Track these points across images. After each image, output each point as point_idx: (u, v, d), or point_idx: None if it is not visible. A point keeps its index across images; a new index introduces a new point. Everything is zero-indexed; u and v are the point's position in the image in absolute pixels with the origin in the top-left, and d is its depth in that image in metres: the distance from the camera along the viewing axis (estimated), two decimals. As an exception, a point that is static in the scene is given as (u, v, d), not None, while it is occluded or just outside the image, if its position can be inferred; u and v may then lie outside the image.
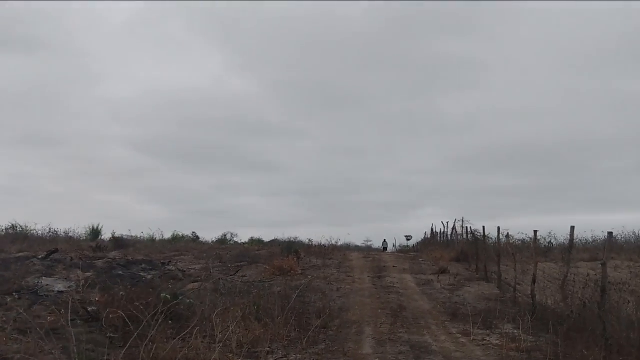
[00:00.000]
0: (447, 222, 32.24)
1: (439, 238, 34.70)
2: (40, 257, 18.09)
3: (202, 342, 8.48)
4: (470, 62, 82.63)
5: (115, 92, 74.05)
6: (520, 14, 78.15)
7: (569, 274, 11.91)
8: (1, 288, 13.64)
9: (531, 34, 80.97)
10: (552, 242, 30.94)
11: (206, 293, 12.33)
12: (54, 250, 19.12)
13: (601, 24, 76.54)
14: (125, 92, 75.52)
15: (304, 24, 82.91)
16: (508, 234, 17.94)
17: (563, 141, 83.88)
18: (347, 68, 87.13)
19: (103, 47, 76.48)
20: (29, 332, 8.58)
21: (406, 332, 11.42)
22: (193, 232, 38.04)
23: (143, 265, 17.75)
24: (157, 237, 33.05)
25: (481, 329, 11.59)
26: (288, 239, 34.57)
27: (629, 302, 10.06)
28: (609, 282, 9.82)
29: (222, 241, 37.10)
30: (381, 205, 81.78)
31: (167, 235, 35.23)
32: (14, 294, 13.09)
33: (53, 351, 7.59)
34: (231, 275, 17.87)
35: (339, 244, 33.46)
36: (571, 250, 11.76)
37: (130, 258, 19.79)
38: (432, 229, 38.07)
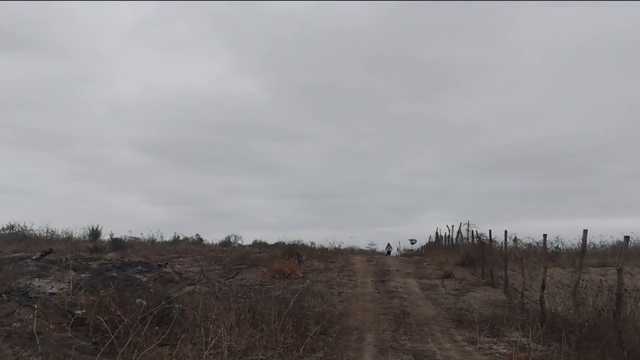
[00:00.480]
0: (452, 226, 31.72)
1: (443, 242, 34.16)
2: (34, 257, 17.63)
3: (192, 348, 7.99)
4: (476, 65, 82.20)
5: (122, 93, 73.95)
6: (525, 16, 77.61)
7: (580, 280, 11.33)
8: (-9, 290, 13.20)
9: (536, 36, 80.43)
10: (559, 246, 30.42)
11: (200, 297, 11.82)
12: (49, 250, 18.66)
13: (609, 26, 75.88)
14: (132, 94, 75.41)
15: (310, 27, 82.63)
16: (516, 237, 17.39)
17: (569, 144, 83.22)
18: (353, 70, 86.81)
19: (110, 49, 76.42)
20: (10, 336, 8.11)
21: (409, 339, 10.90)
22: (197, 234, 37.63)
23: (139, 267, 17.28)
24: (158, 238, 32.58)
25: (488, 337, 11.07)
26: (292, 241, 34.14)
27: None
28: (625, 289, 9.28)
29: (226, 243, 36.67)
30: (386, 208, 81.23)
31: (168, 237, 34.79)
32: (3, 295, 12.64)
33: (30, 358, 7.10)
34: (229, 278, 17.38)
35: (343, 247, 33.01)
36: (584, 254, 11.21)
37: (126, 259, 19.31)
38: (436, 233, 37.55)
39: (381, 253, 42.66)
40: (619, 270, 8.96)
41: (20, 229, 29.33)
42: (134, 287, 13.38)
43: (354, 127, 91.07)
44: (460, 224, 30.08)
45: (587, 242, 28.97)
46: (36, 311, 10.21)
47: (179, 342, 7.87)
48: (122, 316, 8.75)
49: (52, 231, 29.33)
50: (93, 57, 72.51)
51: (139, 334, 7.91)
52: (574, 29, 79.41)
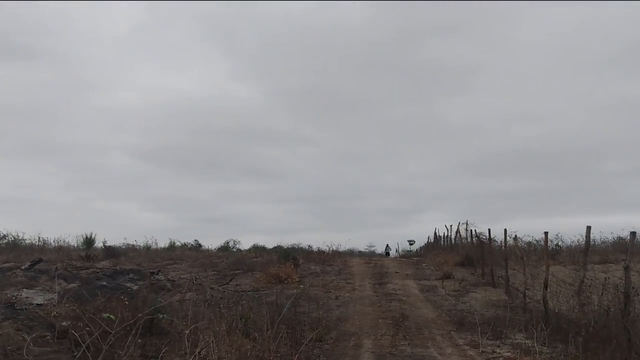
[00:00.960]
0: (451, 226, 31.31)
1: (442, 242, 33.75)
2: (23, 267, 17.18)
3: (179, 360, 7.56)
4: (473, 66, 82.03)
5: (119, 101, 73.58)
6: (522, 16, 77.44)
7: (585, 278, 10.93)
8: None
9: (533, 36, 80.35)
10: (559, 244, 30.05)
11: (189, 305, 11.37)
12: (38, 260, 18.21)
13: (604, 25, 75.75)
14: (129, 101, 75.05)
15: (307, 31, 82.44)
16: (516, 236, 16.99)
17: (566, 144, 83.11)
18: (351, 74, 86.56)
19: (106, 56, 76.11)
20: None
21: (409, 344, 10.47)
22: (195, 240, 37.24)
23: (130, 275, 16.83)
24: (153, 245, 32.14)
25: (490, 340, 10.66)
26: (291, 245, 33.78)
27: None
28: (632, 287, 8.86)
29: (225, 248, 36.33)
30: (385, 210, 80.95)
31: (164, 243, 34.36)
32: (-12, 307, 12.18)
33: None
34: (223, 285, 16.94)
35: (342, 249, 32.71)
36: (587, 252, 10.82)
37: (118, 268, 18.86)
38: (435, 233, 37.13)
39: (380, 255, 42.33)
40: (626, 268, 8.54)
41: (13, 239, 28.89)
42: (123, 296, 12.98)
43: (352, 130, 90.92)
44: (459, 223, 29.71)
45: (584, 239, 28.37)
46: (17, 324, 9.82)
47: (161, 354, 7.42)
48: (107, 327, 8.36)
49: (44, 240, 28.86)
50: (89, 64, 72.26)
51: (121, 346, 7.50)
52: (570, 29, 79.33)
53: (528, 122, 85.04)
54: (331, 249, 31.40)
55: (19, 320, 11.08)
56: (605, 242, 29.69)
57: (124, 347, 7.32)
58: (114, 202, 64.46)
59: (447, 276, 20.16)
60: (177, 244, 36.07)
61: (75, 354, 7.89)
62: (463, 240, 28.50)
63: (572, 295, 12.27)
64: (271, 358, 8.69)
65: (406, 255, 37.49)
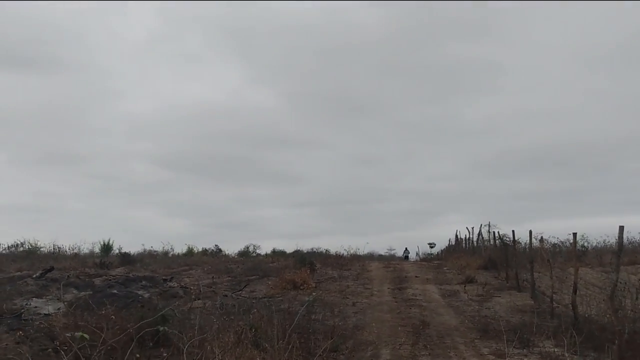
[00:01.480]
0: (472, 228, 30.52)
1: (464, 245, 32.95)
2: (34, 276, 16.90)
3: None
4: (488, 66, 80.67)
5: (136, 109, 73.89)
6: (534, 14, 76.06)
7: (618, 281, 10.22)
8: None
9: (547, 34, 78.81)
10: (585, 245, 29.06)
11: (197, 314, 10.91)
12: (50, 268, 17.92)
13: (619, 21, 74.08)
14: (146, 108, 75.32)
15: (320, 34, 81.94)
16: (542, 237, 16.25)
17: (586, 143, 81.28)
18: (365, 76, 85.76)
19: (123, 65, 76.48)
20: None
21: (429, 354, 9.87)
22: (215, 245, 37.00)
23: (143, 282, 16.45)
24: (170, 251, 31.89)
25: (517, 348, 10.01)
26: (309, 249, 33.32)
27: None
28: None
29: (244, 253, 36.02)
30: (403, 213, 79.89)
31: (182, 249, 34.09)
32: (-6, 318, 11.87)
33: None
34: (237, 291, 16.47)
35: (361, 253, 32.14)
36: (621, 253, 10.11)
37: (131, 275, 18.51)
38: (456, 236, 36.31)
39: (400, 258, 41.62)
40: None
41: (30, 247, 28.81)
42: (133, 305, 12.60)
43: (368, 133, 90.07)
44: (481, 225, 28.94)
45: (608, 240, 27.25)
46: (18, 336, 9.46)
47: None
48: (108, 340, 7.93)
49: (59, 248, 28.73)
50: (107, 73, 72.63)
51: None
52: (588, 27, 77.73)
53: (547, 121, 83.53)
54: (350, 253, 30.92)
55: (24, 331, 10.76)
56: (633, 242, 28.61)
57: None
58: (134, 210, 64.71)
59: (470, 280, 19.47)
60: (195, 249, 35.83)
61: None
62: (485, 243, 27.75)
63: (604, 299, 11.57)
64: (281, 371, 8.18)
65: (426, 259, 36.74)
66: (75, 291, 15.77)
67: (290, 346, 8.79)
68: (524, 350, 9.97)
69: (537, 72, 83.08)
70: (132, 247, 32.81)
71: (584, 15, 76.19)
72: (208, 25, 79.08)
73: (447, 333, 11.73)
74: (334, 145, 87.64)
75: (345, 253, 30.68)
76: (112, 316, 9.66)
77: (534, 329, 11.18)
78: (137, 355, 7.22)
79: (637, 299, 9.75)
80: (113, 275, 18.45)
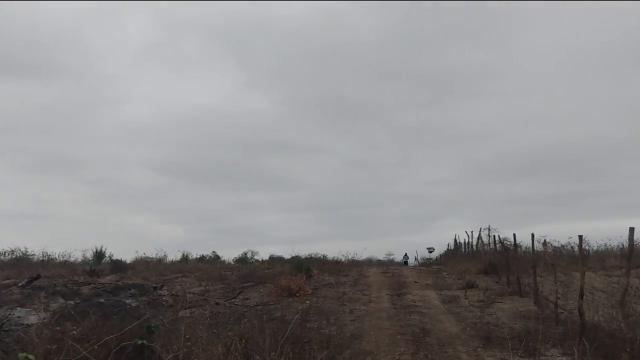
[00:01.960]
0: (472, 232, 30.01)
1: (463, 249, 32.43)
2: (20, 284, 16.31)
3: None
4: (486, 70, 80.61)
5: (134, 114, 73.45)
6: (535, 19, 75.92)
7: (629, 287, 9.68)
8: (-39, 323, 11.88)
9: (544, 38, 78.81)
10: (586, 249, 28.56)
11: (192, 323, 10.35)
12: (36, 276, 17.33)
13: (617, 25, 73.94)
14: (143, 114, 74.90)
15: (316, 37, 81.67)
16: (545, 241, 15.74)
17: (584, 147, 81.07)
18: (362, 80, 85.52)
19: (121, 70, 76.08)
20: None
21: (431, 364, 9.33)
22: (213, 251, 36.44)
23: (132, 291, 15.87)
24: (163, 258, 31.29)
25: (522, 357, 9.47)
26: (307, 255, 32.76)
27: None
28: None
29: (242, 260, 35.51)
30: (401, 218, 79.52)
31: (174, 255, 33.49)
32: (-27, 329, 11.29)
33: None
34: (231, 299, 15.90)
35: (360, 258, 31.65)
36: (631, 256, 9.59)
37: (120, 283, 17.93)
38: (455, 240, 35.78)
39: (399, 263, 41.12)
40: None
41: (21, 254, 28.19)
42: (119, 314, 12.02)
43: (365, 138, 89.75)
44: (480, 229, 28.44)
45: (609, 244, 26.71)
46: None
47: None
48: (87, 354, 7.38)
49: (49, 255, 28.11)
50: (105, 79, 72.21)
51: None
52: (584, 30, 77.62)
53: (544, 126, 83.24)
54: (348, 258, 30.39)
55: (2, 343, 10.20)
56: (638, 245, 28.04)
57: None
58: (131, 216, 64.09)
59: (470, 285, 18.94)
60: (191, 256, 35.23)
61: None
62: (485, 247, 27.24)
63: (611, 305, 11.05)
64: (273, 385, 7.62)
65: (425, 264, 36.22)
66: (61, 300, 15.21)
67: (282, 357, 8.25)
68: (530, 359, 9.44)
69: (534, 76, 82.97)
70: (127, 254, 32.25)
71: (581, 18, 76.11)
72: (204, 31, 78.83)
73: (449, 341, 11.20)
74: (332, 149, 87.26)
75: (343, 258, 30.20)
76: (94, 327, 9.12)
77: (540, 337, 10.63)
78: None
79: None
80: (102, 284, 17.87)
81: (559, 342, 10.31)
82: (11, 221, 50.00)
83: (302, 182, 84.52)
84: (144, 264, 28.12)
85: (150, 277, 21.45)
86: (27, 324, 12.18)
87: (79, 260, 29.10)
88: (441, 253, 39.94)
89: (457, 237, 35.50)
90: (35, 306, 14.30)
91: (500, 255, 21.65)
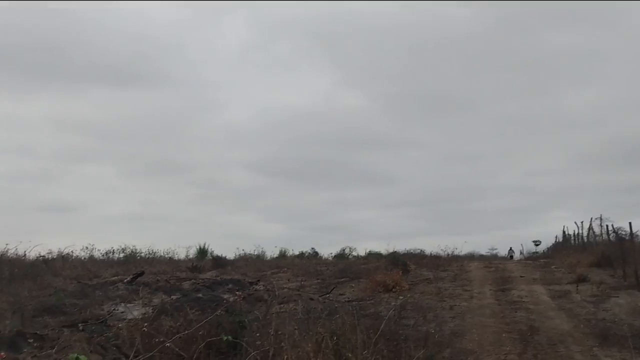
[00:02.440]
0: (582, 222, 28.07)
1: (572, 241, 30.42)
2: (125, 280, 16.99)
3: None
4: (587, 54, 75.38)
5: (233, 118, 76.02)
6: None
7: None
8: (69, 319, 12.43)
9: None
10: None
11: (285, 319, 10.13)
12: (140, 272, 18.00)
13: None
14: (242, 117, 77.27)
15: (410, 32, 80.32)
16: (668, 229, 14.22)
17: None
18: (459, 71, 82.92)
19: (219, 75, 78.95)
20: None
21: (540, 365, 8.53)
22: (312, 248, 36.77)
23: (229, 286, 16.08)
24: (261, 254, 31.79)
25: (647, 358, 8.44)
26: (407, 251, 32.12)
27: None
28: None
29: (341, 256, 35.49)
30: (504, 211, 76.36)
31: (273, 252, 33.93)
32: (79, 325, 11.74)
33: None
34: (325, 294, 15.66)
35: (461, 253, 30.54)
36: None
37: (219, 278, 18.25)
38: (563, 232, 33.69)
39: (503, 258, 39.44)
40: None
41: (130, 252, 29.62)
42: (216, 309, 12.08)
43: (464, 130, 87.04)
44: (591, 219, 26.52)
45: None
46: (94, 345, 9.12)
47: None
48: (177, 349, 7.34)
49: (154, 252, 29.35)
50: (205, 85, 75.17)
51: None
52: None
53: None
54: (447, 253, 29.41)
55: (104, 338, 10.49)
56: None
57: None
58: (233, 215, 66.39)
59: (582, 279, 17.54)
60: (289, 252, 35.60)
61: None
62: (597, 238, 25.35)
63: None
64: (365, 385, 7.19)
65: (532, 257, 34.40)
66: (164, 295, 15.63)
67: (376, 355, 7.81)
68: (656, 361, 8.40)
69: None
70: (228, 251, 33.13)
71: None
72: (298, 31, 79.76)
73: (560, 340, 10.27)
74: (429, 143, 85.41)
75: (442, 253, 29.25)
76: (189, 321, 9.12)
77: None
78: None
79: None
80: (202, 279, 18.28)
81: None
82: (123, 222, 53.54)
83: (399, 177, 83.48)
84: (243, 261, 28.66)
85: (249, 272, 21.73)
86: (129, 319, 12.55)
87: (183, 257, 30.17)
88: (548, 246, 37.97)
89: (565, 229, 33.45)
90: (138, 301, 14.79)
91: (614, 247, 20.00)
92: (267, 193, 74.97)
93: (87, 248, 27.74)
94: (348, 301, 13.97)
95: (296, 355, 7.64)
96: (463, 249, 33.06)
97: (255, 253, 31.73)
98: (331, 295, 15.68)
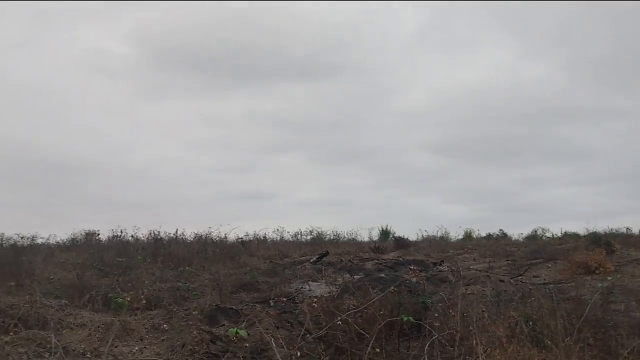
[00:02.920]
0: None
1: None
2: (311, 260, 17.49)
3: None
4: None
5: (412, 100, 75.35)
6: None
7: None
8: (262, 295, 13.07)
9: None
10: None
11: (472, 301, 9.51)
12: (325, 253, 18.39)
13: None
14: (421, 98, 76.29)
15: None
16: None
17: None
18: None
19: (396, 60, 78.68)
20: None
21: None
22: (500, 230, 35.11)
23: (412, 266, 15.67)
24: (445, 235, 30.93)
25: None
26: (608, 230, 28.99)
27: None
28: None
29: (532, 237, 33.35)
30: None
31: (456, 233, 32.85)
32: (270, 301, 12.26)
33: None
34: (516, 276, 14.52)
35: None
36: None
37: (401, 259, 17.94)
38: None
39: None
40: None
41: (317, 234, 30.77)
42: (398, 289, 11.80)
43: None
44: None
45: None
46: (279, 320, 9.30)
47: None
48: (357, 327, 7.15)
49: (338, 234, 30.07)
50: (383, 70, 75.52)
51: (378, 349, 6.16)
52: None
53: None
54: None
55: (291, 314, 10.78)
56: None
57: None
58: (415, 198, 66.12)
59: None
60: (474, 233, 34.25)
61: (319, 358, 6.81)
62: None
63: None
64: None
65: None
66: (347, 275, 15.78)
67: (580, 343, 6.86)
68: None
69: None
70: (410, 233, 32.81)
71: None
72: (475, 9, 76.17)
73: None
74: (627, 111, 76.38)
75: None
76: (370, 301, 8.92)
77: None
78: (377, 350, 6.21)
79: None
80: (384, 259, 18.15)
81: None
82: (311, 207, 56.28)
83: (598, 151, 75.67)
84: (426, 242, 28.13)
85: (432, 253, 21.17)
86: (316, 297, 12.81)
87: (365, 239, 30.55)
88: None
89: None
90: (324, 280, 15.10)
91: None
92: (448, 174, 73.04)
93: (277, 230, 29.46)
94: (543, 283, 12.79)
95: (486, 339, 7.01)
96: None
97: (439, 234, 30.97)
98: (524, 277, 14.51)
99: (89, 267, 15.80)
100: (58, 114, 53.64)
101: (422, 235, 30.93)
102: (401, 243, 24.71)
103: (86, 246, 22.90)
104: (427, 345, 6.60)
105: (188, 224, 49.07)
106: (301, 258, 19.60)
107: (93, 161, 51.90)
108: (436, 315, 8.03)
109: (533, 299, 8.73)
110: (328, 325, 7.25)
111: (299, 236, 29.31)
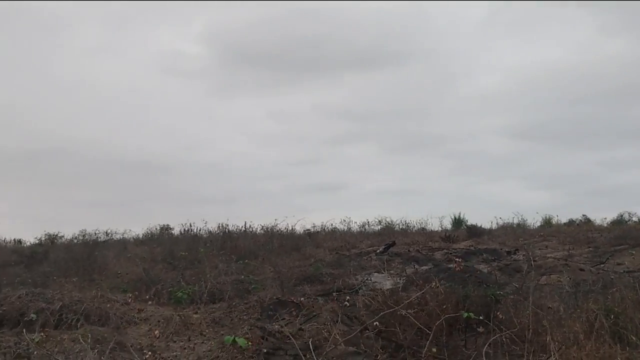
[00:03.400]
0: None
1: None
2: (378, 251, 17.03)
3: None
4: None
5: (483, 84, 72.95)
6: None
7: None
8: (325, 287, 12.79)
9: None
10: None
11: (531, 292, 8.80)
12: (391, 243, 17.87)
13: None
14: (493, 81, 73.72)
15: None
16: None
17: None
18: None
19: (466, 45, 76.51)
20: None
21: None
22: (583, 215, 33.30)
23: (484, 256, 14.92)
24: (522, 222, 29.54)
25: None
26: None
27: None
28: None
29: (618, 222, 31.41)
30: None
31: (534, 220, 31.33)
32: (334, 293, 11.95)
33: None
34: (598, 264, 13.49)
35: None
36: None
37: (472, 248, 17.16)
38: None
39: None
40: None
41: (386, 224, 30.21)
42: (469, 280, 11.18)
43: None
44: None
45: None
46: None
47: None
48: (418, 323, 6.69)
49: (407, 223, 29.33)
50: (451, 54, 73.56)
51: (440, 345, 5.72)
52: None
53: None
54: None
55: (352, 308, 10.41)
56: None
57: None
58: (490, 184, 64.00)
59: None
60: (554, 220, 32.58)
61: (376, 354, 6.40)
62: None
63: None
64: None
65: None
66: (416, 265, 15.24)
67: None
68: None
69: None
70: (485, 221, 31.60)
71: None
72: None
73: None
74: None
75: None
76: (436, 294, 8.41)
77: None
78: (434, 350, 5.72)
79: None
80: (455, 249, 17.44)
81: None
82: (381, 197, 55.64)
83: (684, 129, 70.70)
84: (501, 230, 26.94)
85: (507, 241, 20.18)
86: (377, 289, 12.38)
87: (436, 228, 29.68)
88: None
89: None
90: (393, 272, 14.62)
91: None
92: (526, 159, 70.14)
93: (344, 221, 29.09)
94: (627, 272, 11.77)
95: (561, 336, 6.39)
96: None
97: (515, 221, 29.62)
98: (606, 265, 13.46)
99: (160, 261, 16.08)
100: (136, 114, 55.83)
101: (497, 223, 29.75)
102: (474, 231, 23.74)
103: (159, 240, 23.47)
104: (489, 343, 6.05)
105: (258, 217, 49.81)
106: (368, 249, 19.19)
107: (169, 159, 53.68)
108: (505, 309, 7.43)
109: (615, 289, 7.93)
110: (380, 321, 6.81)
111: (366, 226, 28.87)
